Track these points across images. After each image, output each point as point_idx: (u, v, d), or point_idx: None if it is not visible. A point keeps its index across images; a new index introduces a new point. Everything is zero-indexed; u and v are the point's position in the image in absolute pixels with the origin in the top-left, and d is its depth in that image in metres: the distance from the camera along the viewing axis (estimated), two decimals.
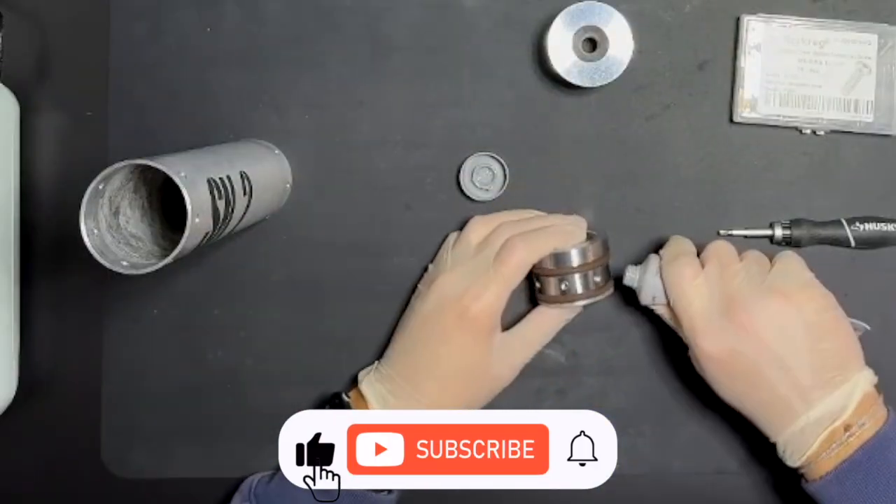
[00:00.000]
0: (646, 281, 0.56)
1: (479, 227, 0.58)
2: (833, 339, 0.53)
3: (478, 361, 0.56)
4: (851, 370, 0.53)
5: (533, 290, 0.59)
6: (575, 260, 0.56)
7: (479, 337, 0.55)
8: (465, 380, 0.56)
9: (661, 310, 0.56)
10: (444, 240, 0.60)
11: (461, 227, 0.61)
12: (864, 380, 0.53)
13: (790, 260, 0.55)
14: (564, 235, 0.57)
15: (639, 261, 0.58)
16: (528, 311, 0.59)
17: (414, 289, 0.60)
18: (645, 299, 0.57)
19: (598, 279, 0.57)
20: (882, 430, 0.51)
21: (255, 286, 0.61)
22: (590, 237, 0.58)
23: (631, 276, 0.57)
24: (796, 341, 0.52)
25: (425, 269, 0.60)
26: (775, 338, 0.52)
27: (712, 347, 0.52)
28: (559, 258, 0.56)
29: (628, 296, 0.61)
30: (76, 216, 0.45)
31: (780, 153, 0.61)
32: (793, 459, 0.53)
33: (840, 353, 0.53)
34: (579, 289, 0.56)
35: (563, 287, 0.56)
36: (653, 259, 0.57)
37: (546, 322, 0.58)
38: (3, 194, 0.58)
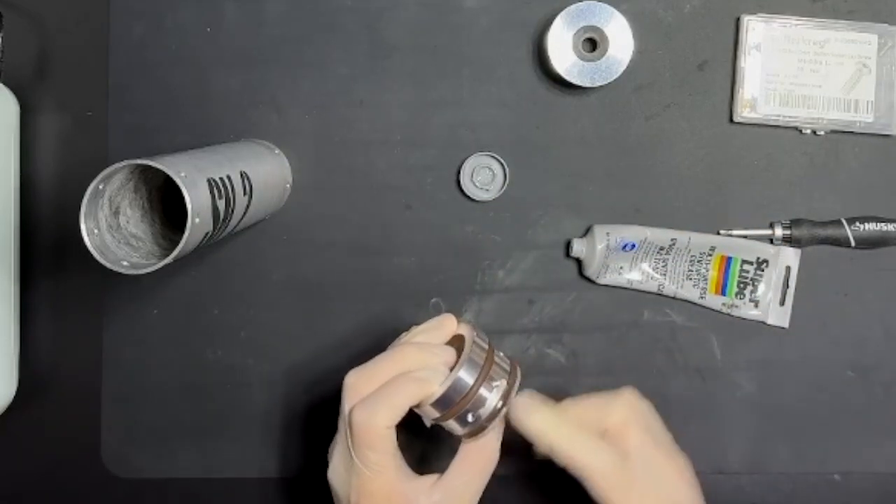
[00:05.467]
0: (596, 252, 0.59)
1: (347, 392, 0.49)
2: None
3: None
4: None
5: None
6: (457, 395, 0.46)
7: None
8: None
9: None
10: None
11: (461, 227, 0.61)
12: None
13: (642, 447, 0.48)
14: (415, 384, 0.46)
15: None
16: (455, 453, 0.49)
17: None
18: (591, 273, 0.60)
19: (497, 383, 0.47)
20: None
21: (255, 286, 0.61)
22: (458, 341, 0.49)
23: (578, 249, 0.59)
24: None
25: None
26: None
27: None
28: (439, 404, 0.47)
29: (628, 296, 0.61)
30: (76, 216, 0.45)
31: (780, 153, 0.61)
32: None
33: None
34: (491, 404, 0.47)
35: (470, 419, 0.47)
36: (598, 230, 0.59)
37: (479, 456, 0.49)
38: (3, 194, 0.58)
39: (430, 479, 0.48)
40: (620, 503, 0.46)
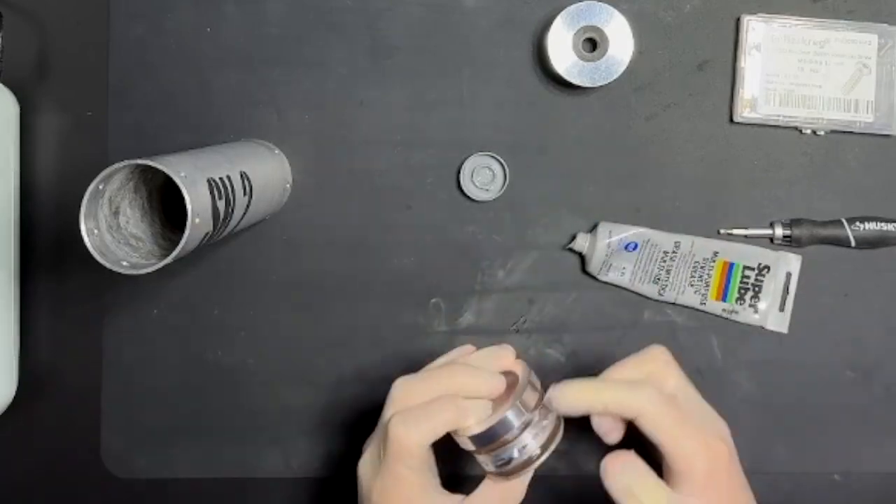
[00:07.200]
0: (597, 248, 0.59)
1: (391, 400, 0.49)
2: None
3: None
4: None
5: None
6: (501, 432, 0.45)
7: None
8: None
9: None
10: None
11: (461, 227, 0.61)
12: None
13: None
14: (458, 412, 0.46)
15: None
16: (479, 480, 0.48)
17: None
18: (593, 269, 0.60)
19: (539, 431, 0.46)
20: None
21: (255, 286, 0.61)
22: (508, 374, 0.48)
23: (581, 244, 0.60)
24: None
25: None
26: None
27: None
28: (480, 438, 0.46)
29: (628, 297, 0.61)
30: (76, 216, 0.45)
31: (780, 153, 0.61)
32: None
33: None
34: (529, 451, 0.46)
35: (504, 460, 0.46)
36: (602, 227, 0.59)
37: (506, 491, 0.47)
38: (3, 194, 0.58)
39: (455, 499, 0.48)
40: (677, 436, 0.45)
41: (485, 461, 0.47)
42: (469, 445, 0.47)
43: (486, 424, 0.46)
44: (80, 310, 0.62)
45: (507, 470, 0.46)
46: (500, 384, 0.47)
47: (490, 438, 0.46)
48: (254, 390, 0.62)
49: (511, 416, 0.46)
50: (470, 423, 0.46)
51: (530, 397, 0.47)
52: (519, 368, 0.48)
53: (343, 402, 0.62)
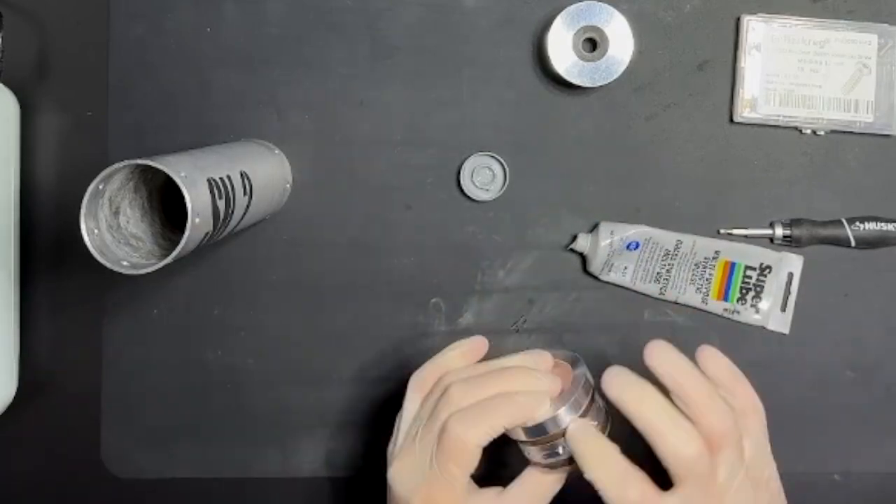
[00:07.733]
0: (599, 248, 0.59)
1: (414, 395, 0.50)
2: None
3: None
4: None
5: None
6: (552, 428, 0.46)
7: None
8: None
9: None
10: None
11: (461, 227, 0.61)
12: None
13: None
14: (517, 408, 0.46)
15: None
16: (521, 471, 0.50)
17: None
18: (594, 269, 0.60)
19: (595, 423, 0.48)
20: None
21: (255, 286, 0.61)
22: (560, 370, 0.50)
23: (583, 244, 0.59)
24: None
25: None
26: None
27: None
28: (532, 431, 0.47)
29: (629, 296, 0.61)
30: (76, 216, 0.45)
31: (780, 153, 0.61)
32: None
33: None
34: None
35: (555, 453, 0.47)
36: (603, 227, 0.59)
37: (544, 482, 0.48)
38: (3, 194, 0.58)
39: (491, 492, 0.48)
40: None
41: (532, 453, 0.48)
42: (520, 436, 0.47)
43: (541, 419, 0.46)
44: (80, 310, 0.62)
45: (553, 462, 0.48)
46: (556, 386, 0.48)
47: (542, 431, 0.47)
48: (254, 390, 0.62)
49: (563, 413, 0.47)
50: (533, 416, 0.46)
51: (583, 396, 0.48)
52: (575, 365, 0.50)
53: (343, 402, 0.62)
